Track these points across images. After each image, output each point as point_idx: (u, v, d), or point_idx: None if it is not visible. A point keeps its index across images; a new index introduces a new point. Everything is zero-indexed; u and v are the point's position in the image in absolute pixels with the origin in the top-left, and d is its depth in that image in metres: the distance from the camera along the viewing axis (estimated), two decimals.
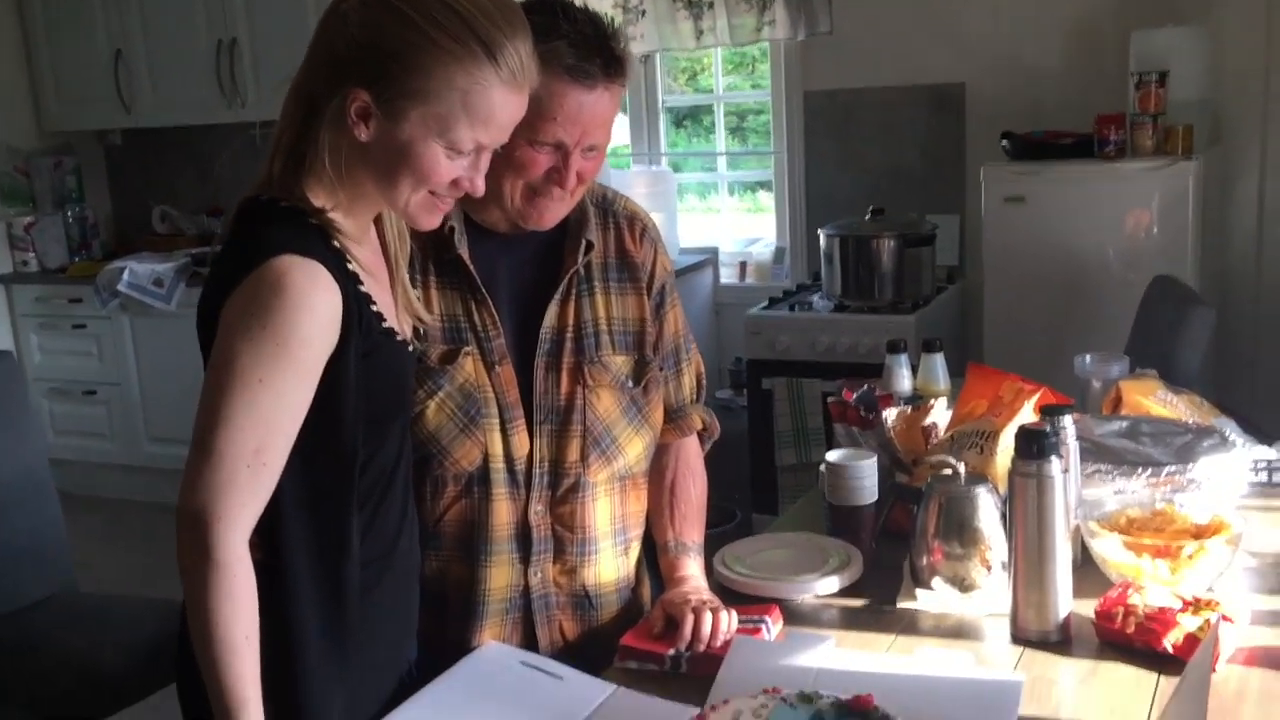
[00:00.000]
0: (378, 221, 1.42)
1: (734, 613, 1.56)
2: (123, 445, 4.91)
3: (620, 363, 1.62)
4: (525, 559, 1.58)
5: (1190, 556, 1.62)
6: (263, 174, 1.33)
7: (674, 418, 1.72)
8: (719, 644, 1.51)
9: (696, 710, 1.39)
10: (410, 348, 1.43)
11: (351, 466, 1.34)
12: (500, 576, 1.57)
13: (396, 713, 1.39)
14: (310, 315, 1.26)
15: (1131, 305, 3.04)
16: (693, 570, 1.67)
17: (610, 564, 1.64)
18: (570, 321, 1.59)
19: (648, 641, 1.55)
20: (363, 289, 1.34)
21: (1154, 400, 2.20)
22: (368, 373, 1.33)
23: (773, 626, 1.59)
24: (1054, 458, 1.50)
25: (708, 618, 1.52)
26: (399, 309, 1.42)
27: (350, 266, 1.32)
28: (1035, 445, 1.51)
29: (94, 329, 4.84)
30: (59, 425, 4.96)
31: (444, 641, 1.56)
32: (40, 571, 2.64)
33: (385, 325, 1.37)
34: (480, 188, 1.36)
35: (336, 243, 1.31)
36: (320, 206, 1.31)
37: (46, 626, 2.54)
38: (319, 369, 1.28)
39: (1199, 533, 1.69)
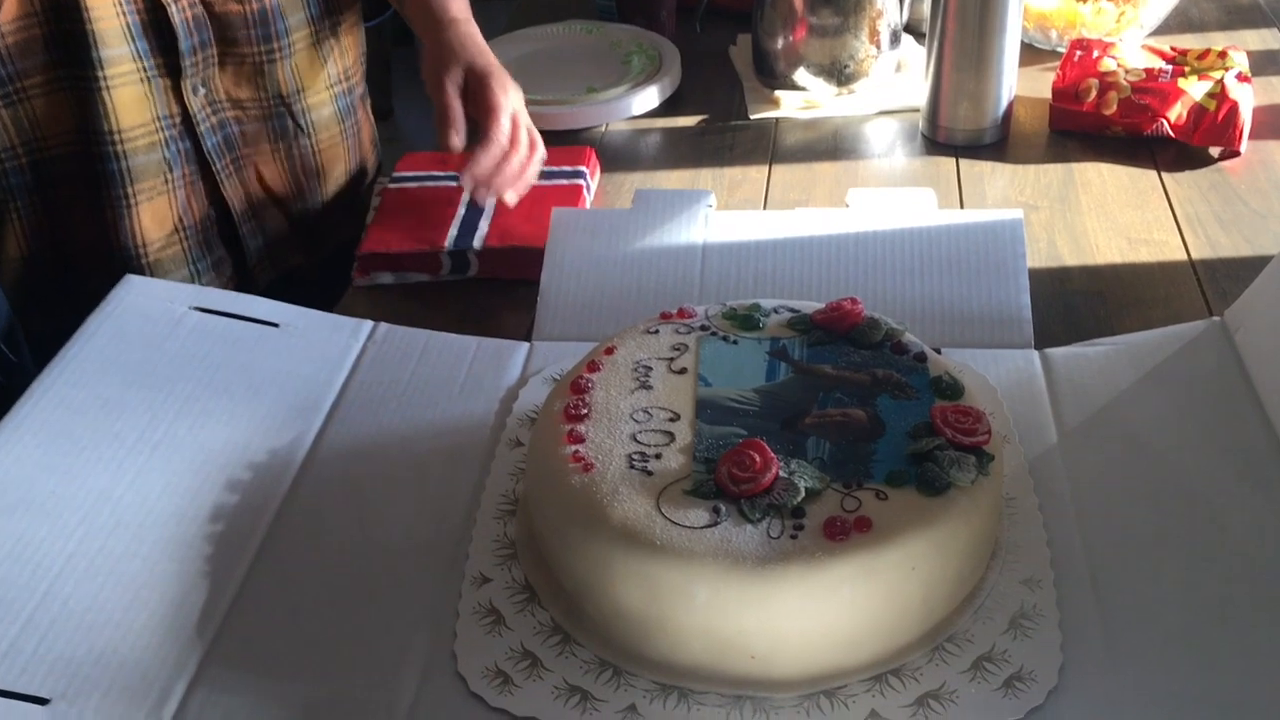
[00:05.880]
0: None
1: (540, 143, 0.95)
2: None
3: None
4: (172, 67, 0.89)
5: None
6: None
7: None
8: (520, 188, 0.92)
9: (521, 347, 0.85)
10: None
11: None
12: (132, 104, 0.88)
13: None
14: None
15: None
16: (462, 10, 0.96)
17: (310, 57, 0.97)
18: None
19: (401, 235, 0.94)
20: None
21: None
22: None
23: (592, 182, 1.03)
24: None
25: (504, 122, 0.89)
26: None
27: None
28: None
29: None
30: None
31: (57, 264, 0.90)
32: None
33: None
34: None
35: None
36: None
37: None
38: None
39: None
